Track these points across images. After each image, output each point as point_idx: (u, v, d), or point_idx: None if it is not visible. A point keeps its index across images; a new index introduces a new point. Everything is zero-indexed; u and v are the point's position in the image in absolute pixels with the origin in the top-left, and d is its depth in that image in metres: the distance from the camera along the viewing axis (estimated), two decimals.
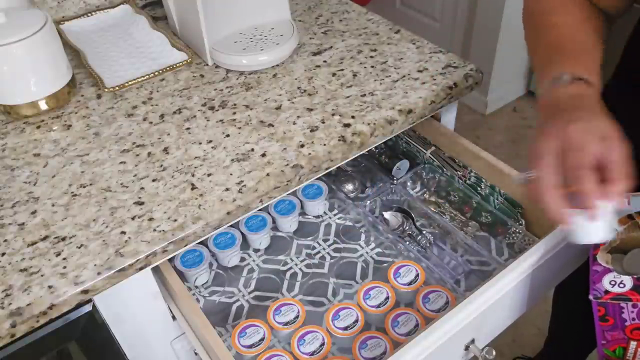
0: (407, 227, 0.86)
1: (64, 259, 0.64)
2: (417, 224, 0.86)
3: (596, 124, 0.54)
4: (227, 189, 0.72)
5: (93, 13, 1.07)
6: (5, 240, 0.67)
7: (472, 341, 0.64)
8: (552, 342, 1.32)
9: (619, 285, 0.53)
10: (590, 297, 0.54)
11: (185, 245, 0.69)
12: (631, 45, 0.72)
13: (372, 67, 0.91)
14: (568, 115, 0.55)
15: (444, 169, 0.90)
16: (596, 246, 0.57)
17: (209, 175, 0.74)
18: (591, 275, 0.55)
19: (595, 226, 0.52)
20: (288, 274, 0.84)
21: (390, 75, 0.89)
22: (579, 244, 0.54)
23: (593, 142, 0.52)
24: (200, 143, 0.79)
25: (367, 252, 0.86)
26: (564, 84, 0.58)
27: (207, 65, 0.95)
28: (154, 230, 0.67)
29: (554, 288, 1.08)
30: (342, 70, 0.91)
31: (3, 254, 0.65)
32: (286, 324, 0.73)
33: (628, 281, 0.53)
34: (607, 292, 0.53)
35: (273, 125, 0.81)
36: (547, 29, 0.65)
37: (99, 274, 0.63)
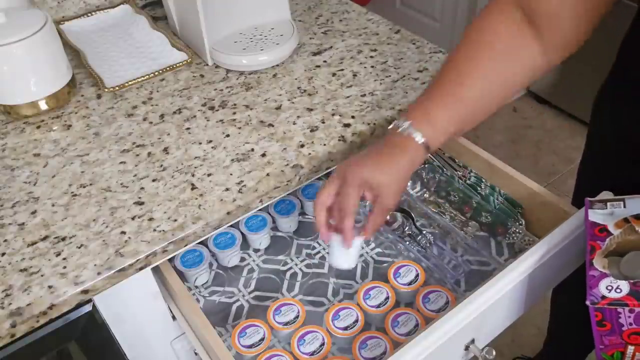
0: (407, 227, 0.86)
1: (64, 259, 0.64)
2: (417, 224, 0.86)
3: (378, 177, 0.62)
4: (227, 189, 0.72)
5: (93, 13, 1.07)
6: (5, 240, 0.67)
7: (472, 341, 0.64)
8: (551, 342, 1.32)
9: (615, 291, 0.53)
10: (588, 302, 0.54)
11: (185, 245, 0.69)
12: (627, 43, 0.72)
13: (372, 67, 0.91)
14: (364, 160, 0.64)
15: (444, 169, 0.90)
16: (592, 251, 0.57)
17: (209, 175, 0.74)
18: (588, 281, 0.55)
19: (344, 254, 0.67)
20: (288, 274, 0.84)
21: (390, 75, 0.89)
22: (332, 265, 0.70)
23: (358, 192, 0.63)
24: (200, 143, 0.79)
25: (367, 252, 0.86)
26: (402, 132, 0.64)
27: (207, 65, 0.95)
28: (154, 230, 0.67)
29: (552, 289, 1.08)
30: (342, 70, 0.91)
31: (3, 254, 0.65)
32: (286, 324, 0.73)
33: (625, 286, 0.53)
34: (604, 297, 0.54)
35: (273, 125, 0.81)
36: (460, 57, 0.66)
37: (99, 274, 0.63)
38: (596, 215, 0.60)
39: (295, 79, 0.90)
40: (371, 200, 0.65)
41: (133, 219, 0.68)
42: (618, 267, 0.55)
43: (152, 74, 0.92)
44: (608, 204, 0.61)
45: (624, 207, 0.59)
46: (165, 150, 0.78)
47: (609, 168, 0.81)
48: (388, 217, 0.88)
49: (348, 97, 0.85)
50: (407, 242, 0.84)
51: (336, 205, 0.65)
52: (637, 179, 0.71)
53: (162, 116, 0.84)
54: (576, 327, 1.16)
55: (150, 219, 0.68)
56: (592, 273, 0.55)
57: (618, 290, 0.53)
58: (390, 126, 0.66)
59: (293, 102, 0.85)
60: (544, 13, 0.61)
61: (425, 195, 0.92)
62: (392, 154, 0.64)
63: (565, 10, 0.60)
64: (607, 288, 0.54)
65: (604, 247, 0.57)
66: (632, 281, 0.53)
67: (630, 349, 0.55)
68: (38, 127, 0.84)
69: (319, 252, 0.87)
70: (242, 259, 0.87)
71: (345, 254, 0.67)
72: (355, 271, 0.83)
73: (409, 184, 0.94)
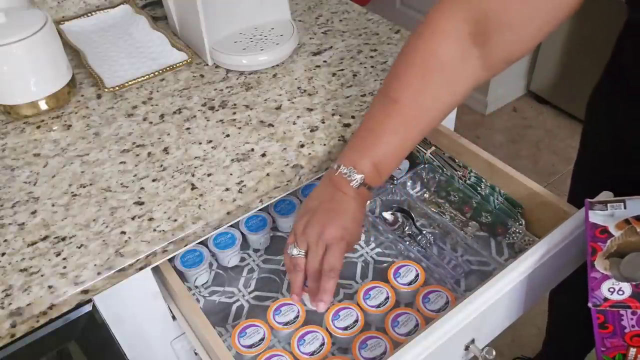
0: (407, 227, 0.86)
1: (64, 259, 0.64)
2: (417, 224, 0.86)
3: (334, 232, 0.65)
4: (227, 189, 0.72)
5: (93, 13, 1.07)
6: (5, 240, 0.67)
7: (472, 341, 0.64)
8: (551, 342, 1.32)
9: (617, 293, 0.53)
10: (590, 305, 0.54)
11: (185, 245, 0.69)
12: (621, 41, 0.72)
13: (372, 67, 0.91)
14: (318, 217, 0.66)
15: (444, 169, 0.90)
16: (594, 253, 0.57)
17: (209, 175, 0.74)
18: (589, 283, 0.55)
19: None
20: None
21: None
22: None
23: (318, 251, 0.65)
24: (200, 143, 0.79)
25: (367, 252, 0.86)
26: (346, 177, 0.66)
27: (207, 65, 0.95)
28: (154, 230, 0.67)
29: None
30: (342, 70, 0.91)
31: (3, 254, 0.65)
32: (286, 324, 0.73)
33: (627, 288, 0.53)
34: (606, 299, 0.53)
35: (273, 125, 0.81)
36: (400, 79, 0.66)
37: (99, 274, 0.63)
38: (596, 217, 0.60)
39: (295, 79, 0.90)
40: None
41: (133, 219, 0.68)
42: (619, 268, 0.55)
43: (152, 74, 0.92)
44: (608, 205, 0.61)
45: (625, 208, 0.59)
46: (165, 150, 0.78)
47: (604, 167, 0.81)
48: (388, 217, 0.88)
49: (348, 97, 0.85)
50: (407, 242, 0.84)
51: (309, 264, 0.67)
52: (633, 177, 0.71)
53: (162, 116, 0.84)
54: (575, 327, 1.16)
55: (150, 219, 0.68)
56: (594, 275, 0.55)
57: (620, 293, 0.53)
58: (332, 167, 0.68)
59: (293, 102, 0.85)
60: (500, 25, 0.60)
61: (425, 195, 0.92)
62: (340, 201, 0.67)
63: (524, 20, 0.59)
64: (609, 290, 0.54)
65: (605, 248, 0.57)
66: (634, 283, 0.53)
67: (632, 351, 0.55)
68: (38, 127, 0.84)
69: None
70: (242, 259, 0.87)
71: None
72: (355, 271, 0.83)
73: (408, 184, 0.94)
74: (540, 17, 0.59)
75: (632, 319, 0.53)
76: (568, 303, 1.10)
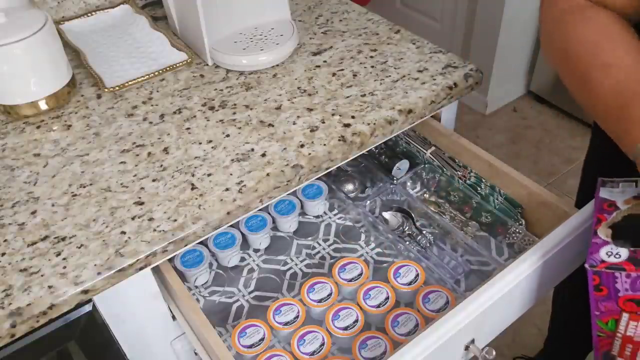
0: (407, 227, 0.86)
1: (64, 259, 0.64)
2: (417, 224, 0.86)
3: None
4: (227, 189, 0.72)
5: (93, 13, 1.07)
6: (5, 240, 0.67)
7: (472, 341, 0.64)
8: (551, 341, 1.32)
9: (615, 256, 0.55)
10: (586, 265, 0.55)
11: (185, 245, 0.69)
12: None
13: (372, 67, 0.91)
14: None
15: (444, 169, 0.90)
16: (598, 222, 0.58)
17: (209, 175, 0.74)
18: (590, 248, 0.56)
19: None
20: (288, 274, 0.84)
21: (390, 75, 0.89)
22: None
23: None
24: (200, 143, 0.79)
25: (367, 252, 0.86)
26: None
27: (207, 65, 0.95)
28: (154, 230, 0.67)
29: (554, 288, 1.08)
30: (342, 70, 0.91)
31: (3, 254, 0.65)
32: (286, 324, 0.73)
33: (624, 253, 0.55)
34: (602, 261, 0.55)
35: (273, 125, 0.81)
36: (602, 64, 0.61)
37: (99, 274, 0.63)
38: (606, 193, 0.60)
39: (295, 79, 0.90)
40: None
41: (133, 219, 0.68)
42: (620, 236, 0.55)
43: (152, 74, 0.92)
44: (620, 184, 0.61)
45: (637, 187, 0.60)
46: (165, 150, 0.78)
47: (614, 162, 0.81)
48: (388, 217, 0.88)
49: (348, 97, 0.85)
50: (407, 242, 0.84)
51: None
52: None
53: (162, 116, 0.84)
54: (576, 327, 1.16)
55: (150, 219, 0.68)
56: (595, 240, 0.56)
57: (617, 256, 0.54)
58: None
59: (293, 102, 0.85)
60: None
61: (425, 195, 0.92)
62: None
63: None
64: (607, 254, 0.55)
65: (609, 219, 0.57)
66: (632, 248, 0.54)
67: (625, 316, 0.56)
68: (38, 127, 0.84)
69: (319, 252, 0.87)
70: (242, 259, 0.87)
71: None
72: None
73: (408, 184, 0.94)
74: None
75: (626, 282, 0.54)
76: (570, 302, 1.11)
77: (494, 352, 0.63)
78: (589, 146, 0.89)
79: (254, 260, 0.87)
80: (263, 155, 0.76)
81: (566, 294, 1.11)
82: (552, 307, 1.22)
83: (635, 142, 0.55)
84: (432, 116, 0.91)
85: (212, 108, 0.85)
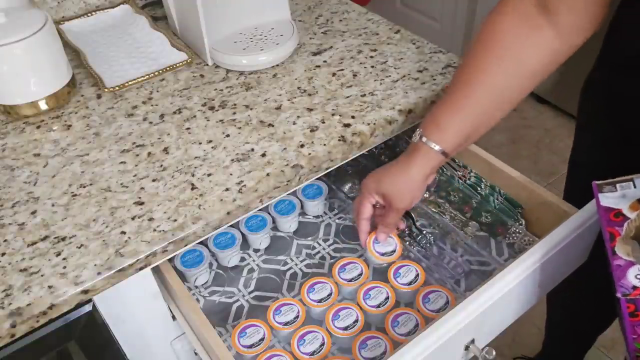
0: (407, 227, 0.85)
1: (64, 259, 0.64)
2: (417, 224, 0.86)
3: (385, 186, 0.72)
4: (227, 189, 0.72)
5: (93, 13, 1.07)
6: (5, 240, 0.67)
7: (472, 341, 0.64)
8: (549, 342, 1.32)
9: None
10: (619, 294, 0.52)
11: (185, 245, 0.69)
12: (615, 26, 0.72)
13: (372, 67, 0.91)
14: (378, 173, 0.74)
15: (444, 169, 0.90)
16: (612, 239, 0.55)
17: (209, 175, 0.74)
18: (614, 271, 0.53)
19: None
20: (288, 274, 0.84)
21: (390, 75, 0.89)
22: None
23: (369, 200, 0.75)
24: (200, 143, 0.79)
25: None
26: (414, 141, 0.70)
27: (207, 65, 0.95)
28: (154, 230, 0.67)
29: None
30: (342, 70, 0.91)
31: (3, 254, 0.65)
32: (286, 324, 0.73)
33: None
34: (634, 287, 0.52)
35: (273, 125, 0.81)
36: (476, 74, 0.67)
37: (99, 274, 0.63)
38: (608, 200, 0.57)
39: (295, 79, 0.90)
40: (385, 205, 0.75)
41: (133, 219, 0.68)
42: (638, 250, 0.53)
43: (152, 74, 0.92)
44: (617, 185, 0.58)
45: (635, 187, 0.57)
46: (165, 150, 0.78)
47: (600, 157, 0.81)
48: None
49: (348, 97, 0.85)
50: (407, 242, 0.84)
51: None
52: (630, 162, 0.70)
53: (162, 116, 0.84)
54: (574, 326, 1.16)
55: (150, 219, 0.68)
56: (617, 262, 0.53)
57: None
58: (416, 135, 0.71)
59: (293, 102, 0.85)
60: None
61: (425, 195, 0.92)
62: (403, 162, 0.71)
63: None
64: (636, 277, 0.52)
65: (623, 233, 0.55)
66: None
67: None
68: (38, 127, 0.84)
69: (319, 252, 0.87)
70: (242, 259, 0.87)
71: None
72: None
73: None
74: None
75: None
76: (569, 302, 1.10)
77: (494, 352, 0.63)
78: (573, 141, 0.90)
79: (254, 260, 0.87)
80: (263, 155, 0.76)
81: (562, 295, 1.11)
82: (547, 308, 1.22)
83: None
84: None
85: (212, 108, 0.85)
